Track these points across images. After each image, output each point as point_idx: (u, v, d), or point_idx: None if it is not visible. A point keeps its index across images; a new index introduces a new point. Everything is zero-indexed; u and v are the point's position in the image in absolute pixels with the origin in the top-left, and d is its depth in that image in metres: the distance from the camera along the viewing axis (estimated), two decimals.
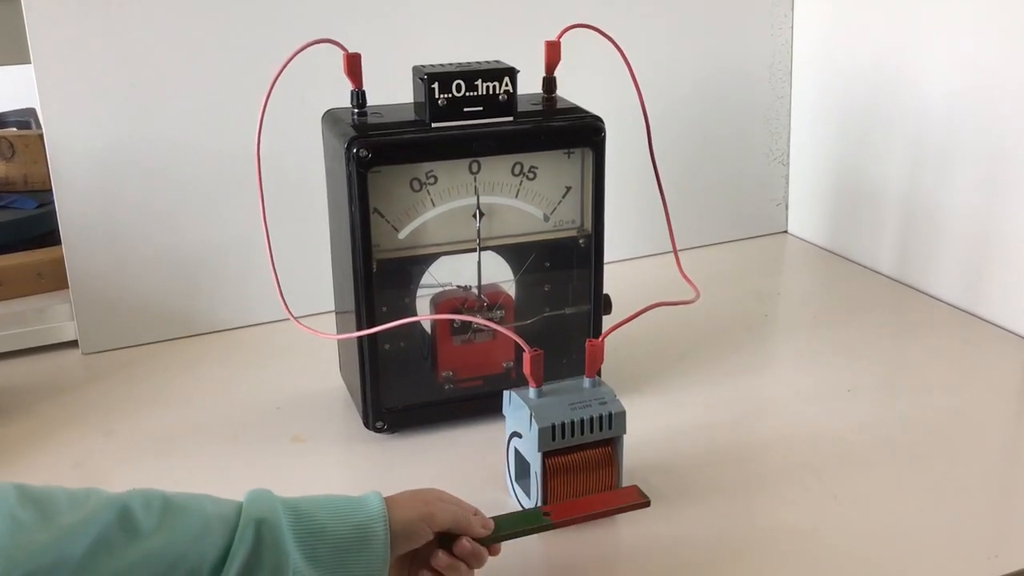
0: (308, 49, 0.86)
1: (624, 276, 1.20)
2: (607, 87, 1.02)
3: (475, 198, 0.93)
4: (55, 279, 1.18)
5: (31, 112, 1.43)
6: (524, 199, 0.94)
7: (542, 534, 0.78)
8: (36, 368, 1.13)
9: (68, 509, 0.60)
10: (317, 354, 1.07)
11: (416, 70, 0.91)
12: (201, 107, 1.14)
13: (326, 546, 0.67)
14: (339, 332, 1.01)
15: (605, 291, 0.99)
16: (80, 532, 0.59)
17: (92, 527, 0.59)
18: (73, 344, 1.16)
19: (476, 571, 0.73)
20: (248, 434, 0.98)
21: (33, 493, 0.60)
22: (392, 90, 0.94)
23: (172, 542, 0.62)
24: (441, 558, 0.72)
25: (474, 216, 0.93)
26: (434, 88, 0.88)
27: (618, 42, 0.92)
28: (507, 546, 0.77)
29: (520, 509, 0.79)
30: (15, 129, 1.43)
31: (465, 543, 0.72)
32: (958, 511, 0.85)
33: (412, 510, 0.71)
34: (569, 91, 0.98)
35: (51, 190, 1.12)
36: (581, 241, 0.97)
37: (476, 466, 0.89)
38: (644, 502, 0.81)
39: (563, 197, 0.96)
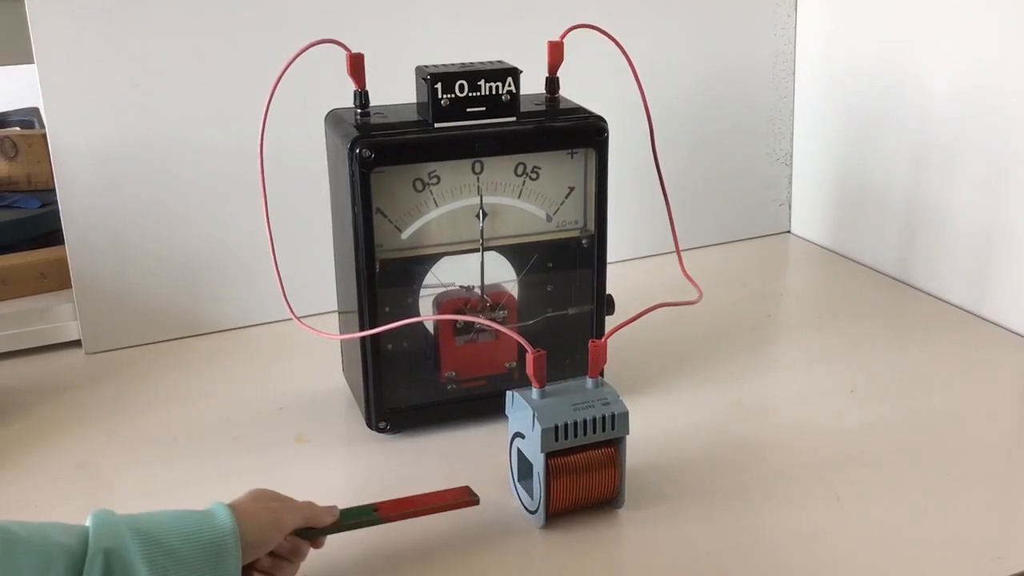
0: (311, 49, 0.86)
1: (627, 276, 1.20)
2: (610, 87, 1.02)
3: (478, 198, 0.93)
4: (58, 279, 1.18)
5: (34, 111, 1.43)
6: (527, 199, 0.94)
7: None
8: (39, 368, 1.13)
9: None
10: (320, 354, 1.07)
11: (419, 70, 0.91)
12: (204, 107, 1.14)
13: (178, 568, 0.65)
14: (342, 332, 1.01)
15: (608, 291, 0.99)
16: None
17: None
18: (76, 344, 1.16)
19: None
20: (251, 434, 0.98)
21: None
22: (395, 90, 0.94)
23: None
24: (263, 560, 0.71)
25: (478, 216, 0.93)
26: (437, 88, 0.88)
27: (621, 42, 0.92)
28: (512, 547, 0.78)
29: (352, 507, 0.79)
30: (18, 129, 1.43)
31: (283, 542, 0.72)
32: (962, 513, 0.84)
33: (261, 518, 0.70)
34: (572, 91, 0.97)
35: (54, 190, 1.12)
36: (584, 241, 0.97)
37: (479, 467, 0.88)
38: (472, 501, 0.81)
39: (566, 197, 0.96)
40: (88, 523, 0.64)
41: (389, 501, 0.79)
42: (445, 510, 0.81)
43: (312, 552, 0.75)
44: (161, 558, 0.64)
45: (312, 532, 0.74)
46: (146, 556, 0.63)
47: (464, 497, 0.82)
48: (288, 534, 0.72)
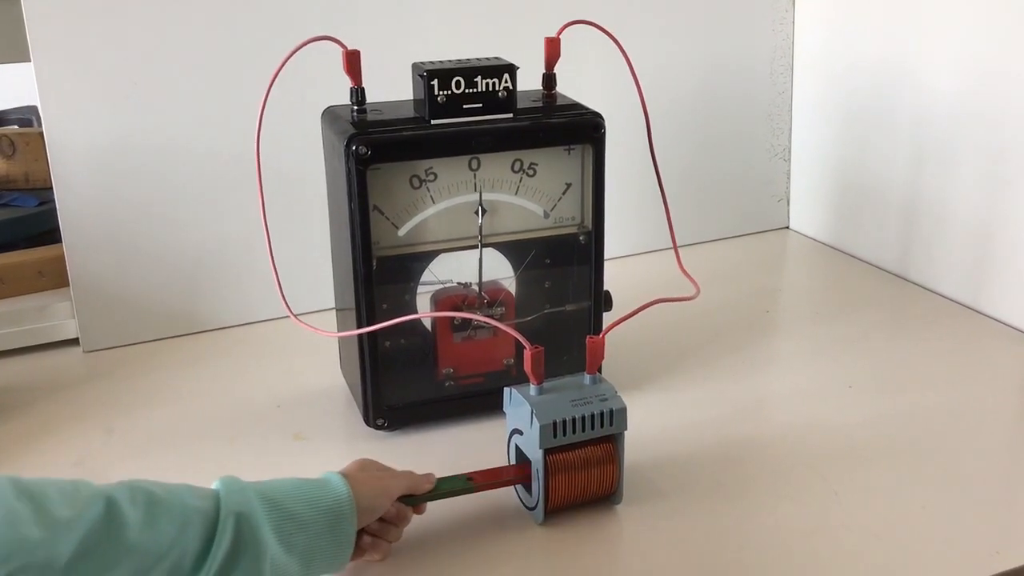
0: (308, 46, 0.86)
1: (624, 273, 1.20)
2: (607, 83, 1.02)
3: (475, 195, 0.92)
4: (56, 277, 1.18)
5: (33, 110, 1.43)
6: (524, 196, 0.94)
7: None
8: (37, 366, 1.13)
9: (59, 504, 0.60)
10: (318, 352, 1.07)
11: (415, 67, 0.91)
12: (202, 105, 1.14)
13: (301, 533, 0.69)
14: (339, 330, 1.01)
15: (605, 288, 0.98)
16: (71, 528, 0.60)
17: (82, 523, 0.60)
18: (74, 342, 1.16)
19: None
20: (249, 432, 0.98)
21: (27, 487, 0.60)
22: (392, 87, 0.94)
23: (156, 537, 0.63)
24: (372, 524, 0.76)
25: (476, 213, 0.93)
26: (433, 85, 0.88)
27: (618, 37, 0.92)
28: (511, 543, 0.79)
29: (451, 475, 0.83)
30: (16, 127, 1.43)
31: (390, 508, 0.76)
32: (960, 507, 0.84)
33: (371, 485, 0.75)
34: (569, 87, 0.97)
35: (52, 188, 1.12)
36: (581, 238, 0.97)
37: (477, 463, 0.88)
38: None
39: (563, 194, 0.95)
40: (216, 488, 0.68)
41: (481, 471, 0.84)
42: (522, 481, 0.84)
43: None
44: (285, 523, 0.68)
45: (413, 499, 0.79)
46: (272, 520, 0.68)
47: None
48: (394, 500, 0.77)
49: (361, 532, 0.75)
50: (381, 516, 0.76)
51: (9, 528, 0.58)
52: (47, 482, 0.62)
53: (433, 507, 0.82)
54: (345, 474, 0.75)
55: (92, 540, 0.60)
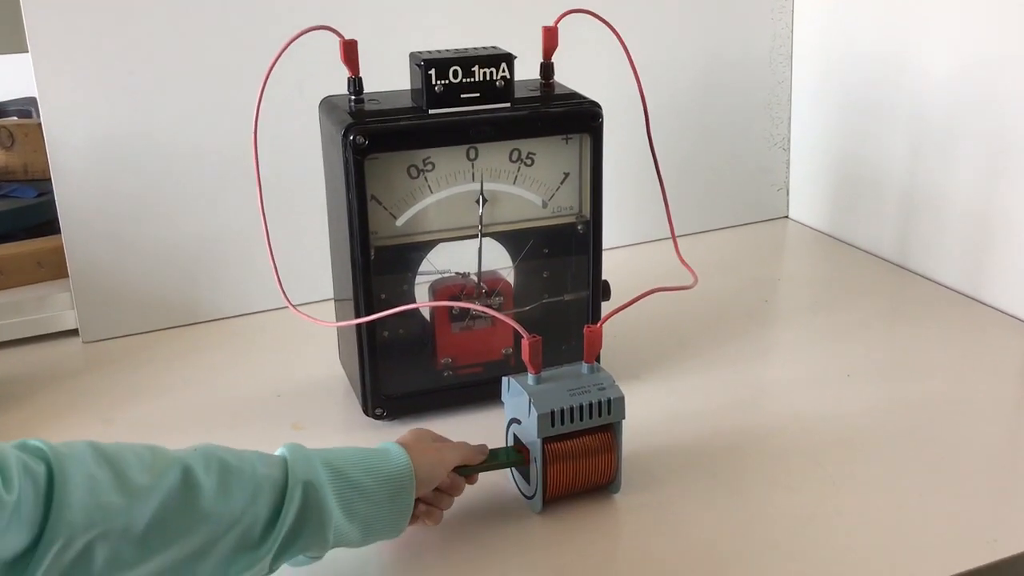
0: (305, 36, 0.86)
1: (623, 262, 1.20)
2: (605, 73, 1.02)
3: (473, 184, 0.92)
4: (55, 268, 1.18)
5: (32, 101, 1.43)
6: (522, 185, 0.94)
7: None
8: (36, 357, 1.13)
9: (138, 470, 0.62)
10: (316, 342, 1.07)
11: (413, 56, 0.91)
12: (200, 95, 1.14)
13: (363, 501, 0.71)
14: (338, 320, 1.01)
15: (604, 277, 0.98)
16: (149, 495, 0.61)
17: (160, 490, 0.62)
18: (73, 333, 1.16)
19: None
20: (248, 422, 0.98)
21: (106, 452, 0.62)
22: (389, 77, 0.94)
23: (230, 505, 0.64)
24: (428, 494, 0.77)
25: (477, 202, 0.93)
26: (431, 74, 0.88)
27: (616, 26, 0.91)
28: (509, 533, 0.79)
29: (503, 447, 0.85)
30: (16, 118, 1.43)
31: (446, 478, 0.78)
32: (958, 496, 0.84)
33: (429, 456, 0.76)
34: (567, 77, 0.97)
35: (51, 179, 1.12)
36: (579, 227, 0.97)
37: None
38: None
39: (561, 183, 0.95)
40: (283, 455, 0.70)
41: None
42: None
43: None
44: (348, 491, 0.70)
45: (467, 469, 0.81)
46: (336, 489, 0.69)
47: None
48: (449, 471, 0.78)
49: (417, 500, 0.76)
50: (436, 486, 0.77)
51: (90, 495, 0.59)
52: (124, 447, 0.63)
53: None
54: (404, 444, 0.76)
55: (169, 507, 0.61)
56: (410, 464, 0.74)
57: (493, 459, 0.83)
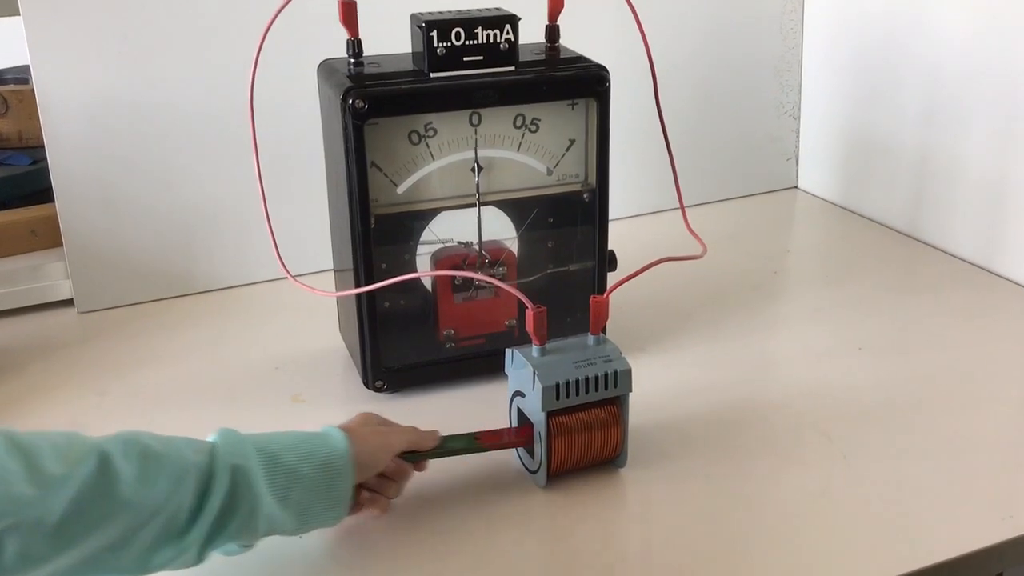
0: None
1: (629, 232, 1.18)
2: (613, 36, 0.99)
3: (476, 151, 0.90)
4: (50, 237, 1.16)
5: (29, 69, 1.41)
6: (526, 152, 0.92)
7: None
8: (30, 327, 1.11)
9: (52, 459, 0.59)
10: (317, 313, 1.06)
11: (414, 18, 0.88)
12: (195, 59, 1.12)
13: (297, 487, 0.68)
14: (338, 290, 0.99)
15: (610, 247, 0.96)
16: (64, 485, 0.59)
17: (75, 480, 0.59)
18: (68, 303, 1.15)
19: None
20: (246, 394, 0.97)
21: (19, 441, 0.59)
22: (390, 39, 0.91)
23: (151, 493, 0.62)
24: (371, 480, 0.75)
25: (472, 170, 0.90)
26: (432, 36, 0.85)
27: None
28: (513, 508, 0.78)
29: (456, 435, 0.82)
30: (13, 85, 1.40)
31: (390, 463, 0.75)
32: (971, 471, 0.83)
33: (372, 440, 0.74)
34: (573, 40, 0.95)
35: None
36: (585, 196, 0.94)
37: (478, 426, 0.86)
38: None
39: (567, 150, 0.93)
40: (213, 440, 0.68)
41: (487, 431, 0.83)
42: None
43: None
44: (281, 476, 0.68)
45: (415, 455, 0.78)
46: (268, 474, 0.67)
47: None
48: (394, 456, 0.76)
49: (359, 487, 0.74)
50: (381, 471, 0.75)
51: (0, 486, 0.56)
52: (40, 435, 0.61)
53: (434, 470, 0.81)
54: (345, 428, 0.74)
55: (85, 497, 0.59)
56: (349, 449, 0.71)
57: (444, 445, 0.80)
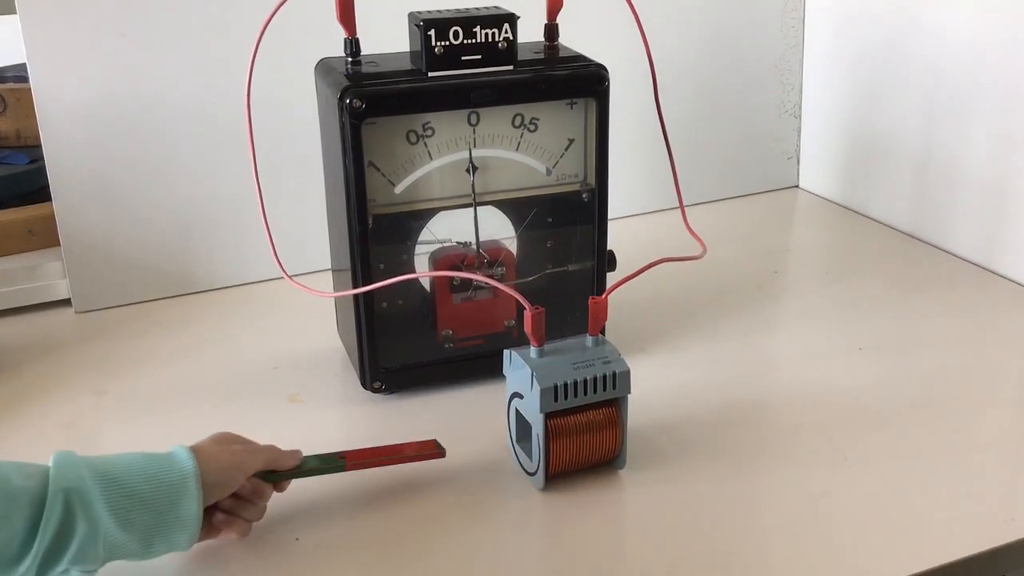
0: None
1: (629, 232, 1.17)
2: (612, 35, 0.99)
3: (475, 151, 0.89)
4: (47, 236, 1.16)
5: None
6: (525, 152, 0.91)
7: None
8: (28, 327, 1.10)
9: None
10: (315, 313, 1.05)
11: (412, 16, 0.88)
12: (193, 57, 1.11)
13: (139, 510, 0.66)
14: (335, 290, 0.98)
15: (609, 247, 0.96)
16: None
17: None
18: (66, 302, 1.14)
19: None
20: (244, 394, 0.96)
21: None
22: (388, 38, 0.91)
23: None
24: (224, 501, 0.72)
25: (467, 171, 0.90)
26: (430, 35, 0.85)
27: None
28: (511, 510, 0.77)
29: (319, 454, 0.79)
30: (12, 83, 1.40)
31: (245, 484, 0.73)
32: (973, 473, 0.82)
33: (222, 459, 0.71)
34: (572, 39, 0.94)
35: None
36: (584, 196, 0.94)
37: (476, 428, 0.86)
38: (438, 453, 0.81)
39: (566, 150, 0.93)
40: (48, 464, 0.65)
41: (356, 450, 0.80)
42: (410, 461, 0.81)
43: (308, 513, 0.75)
44: (122, 499, 0.65)
45: (275, 475, 0.75)
46: (106, 496, 0.64)
47: (430, 449, 0.81)
48: (250, 476, 0.73)
49: (214, 509, 0.72)
50: (236, 492, 0.73)
51: None
52: None
53: (430, 473, 0.81)
54: (195, 448, 0.71)
55: None
56: (195, 469, 0.68)
57: (307, 465, 0.77)
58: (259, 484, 0.74)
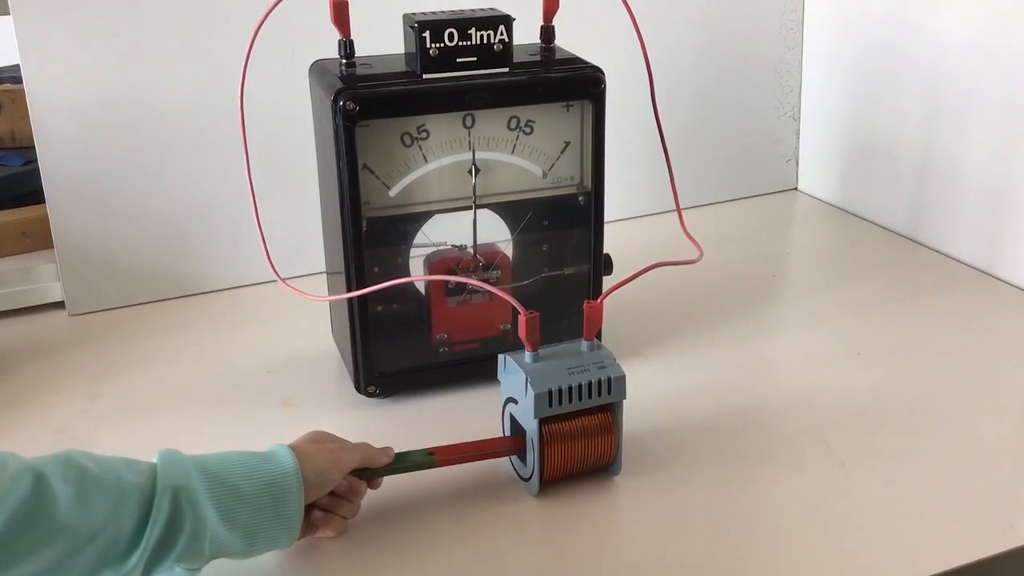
0: None
1: (625, 235, 1.17)
2: (609, 37, 0.98)
3: (469, 153, 0.89)
4: (41, 238, 1.15)
5: None
6: (521, 155, 0.91)
7: None
8: (21, 330, 1.10)
9: None
10: (309, 317, 1.05)
11: (406, 18, 0.87)
12: (188, 58, 1.11)
13: (243, 508, 0.67)
14: (330, 294, 0.98)
15: (605, 251, 0.95)
16: None
17: (9, 501, 0.58)
18: (59, 305, 1.14)
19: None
20: (237, 399, 0.95)
21: None
22: (382, 40, 0.90)
23: (89, 515, 0.60)
24: (323, 499, 0.73)
25: (470, 172, 0.89)
26: (425, 37, 0.84)
27: None
28: (505, 516, 0.76)
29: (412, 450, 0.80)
30: (8, 84, 1.39)
31: (342, 482, 0.74)
32: (972, 479, 0.82)
33: (321, 458, 0.72)
34: (569, 41, 0.94)
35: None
36: (581, 199, 0.93)
37: (471, 432, 0.85)
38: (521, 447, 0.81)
39: (562, 152, 0.92)
40: (155, 461, 0.66)
41: (444, 446, 0.80)
42: (496, 456, 0.82)
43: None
44: (226, 497, 0.66)
45: (369, 472, 0.77)
46: (212, 495, 0.65)
47: (519, 444, 0.81)
48: (346, 474, 0.74)
49: (312, 507, 0.73)
50: (333, 490, 0.73)
51: None
52: None
53: (424, 479, 0.80)
54: (294, 447, 0.72)
55: (20, 518, 0.58)
56: (296, 467, 0.69)
57: (399, 462, 0.78)
58: (355, 482, 0.75)
